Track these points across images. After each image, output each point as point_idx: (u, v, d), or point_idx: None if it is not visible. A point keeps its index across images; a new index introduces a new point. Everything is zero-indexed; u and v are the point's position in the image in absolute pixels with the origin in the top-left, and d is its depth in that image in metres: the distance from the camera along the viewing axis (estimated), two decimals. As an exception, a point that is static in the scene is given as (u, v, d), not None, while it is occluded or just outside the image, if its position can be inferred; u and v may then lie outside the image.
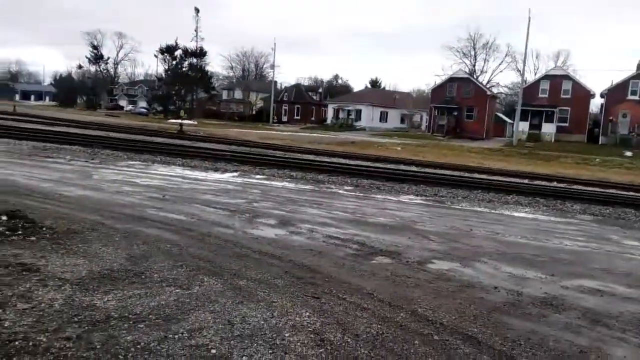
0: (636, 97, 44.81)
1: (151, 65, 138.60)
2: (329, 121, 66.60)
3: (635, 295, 5.36)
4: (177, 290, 4.36)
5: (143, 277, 4.66)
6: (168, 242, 5.96)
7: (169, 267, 5.02)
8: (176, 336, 3.48)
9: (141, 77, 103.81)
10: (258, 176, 13.16)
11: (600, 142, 45.61)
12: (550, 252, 7.09)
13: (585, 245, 7.80)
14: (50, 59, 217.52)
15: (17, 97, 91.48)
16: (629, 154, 37.22)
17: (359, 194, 11.48)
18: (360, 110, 63.95)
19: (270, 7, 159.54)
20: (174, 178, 11.56)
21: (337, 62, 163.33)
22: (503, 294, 5.08)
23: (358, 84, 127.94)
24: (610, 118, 45.77)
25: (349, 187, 12.45)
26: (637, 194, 15.04)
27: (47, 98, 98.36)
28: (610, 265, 6.62)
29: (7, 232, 5.55)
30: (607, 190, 15.40)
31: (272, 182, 12.20)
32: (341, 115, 65.87)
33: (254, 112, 75.46)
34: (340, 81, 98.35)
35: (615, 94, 45.90)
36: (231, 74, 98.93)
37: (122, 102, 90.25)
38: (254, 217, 7.90)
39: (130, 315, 3.75)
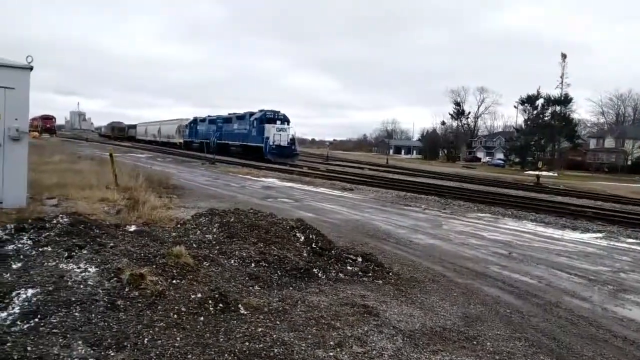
0: None
1: (510, 117, 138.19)
2: None
3: None
4: (510, 368, 3.79)
5: (475, 343, 4.27)
6: (508, 307, 5.40)
7: (506, 337, 4.48)
8: None
9: (499, 129, 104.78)
10: (630, 240, 10.89)
11: None
12: None
13: None
14: (420, 117, 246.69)
15: (391, 151, 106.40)
16: None
17: None
18: None
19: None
20: (523, 234, 10.75)
21: None
22: None
23: None
24: None
25: None
26: None
27: (414, 152, 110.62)
28: None
29: (359, 273, 6.14)
30: None
31: (650, 249, 9.84)
32: None
33: (629, 163, 64.97)
34: None
35: None
36: (601, 120, 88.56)
37: (480, 154, 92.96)
38: (620, 292, 6.41)
39: (454, 386, 3.42)
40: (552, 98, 64.57)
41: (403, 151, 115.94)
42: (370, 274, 6.15)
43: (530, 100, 66.90)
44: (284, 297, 4.95)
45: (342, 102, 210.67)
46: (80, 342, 3.43)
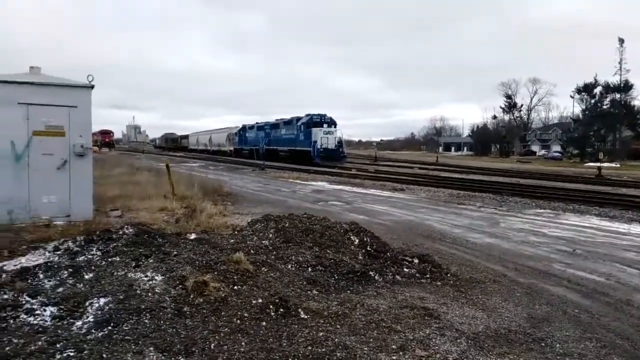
0: None
1: (566, 107, 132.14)
2: None
3: None
4: (583, 371, 3.64)
5: (543, 344, 4.13)
6: (576, 306, 5.19)
7: (575, 337, 4.30)
8: None
9: (555, 121, 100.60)
10: None
11: None
12: None
13: None
14: (469, 113, 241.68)
15: (440, 148, 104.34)
16: None
17: None
18: None
19: None
20: (586, 230, 10.28)
21: None
22: None
23: None
24: None
25: None
26: None
27: (465, 149, 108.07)
28: None
29: (417, 275, 6.06)
30: None
31: None
32: None
33: (699, 150, 60.89)
34: None
35: None
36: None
37: (535, 148, 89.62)
38: (699, 288, 6.01)
39: (524, 390, 3.32)
40: (611, 85, 61.52)
41: (453, 148, 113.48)
42: (427, 276, 6.07)
43: (587, 89, 63.97)
44: (343, 300, 4.97)
45: (388, 101, 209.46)
46: (151, 348, 3.58)
